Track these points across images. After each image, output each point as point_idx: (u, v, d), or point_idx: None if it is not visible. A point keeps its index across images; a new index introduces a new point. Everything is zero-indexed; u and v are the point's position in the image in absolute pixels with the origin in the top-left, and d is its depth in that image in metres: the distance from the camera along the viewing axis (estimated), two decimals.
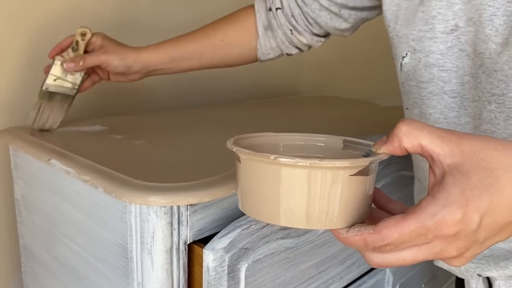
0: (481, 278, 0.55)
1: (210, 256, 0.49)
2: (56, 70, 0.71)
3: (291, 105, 1.08)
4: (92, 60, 0.71)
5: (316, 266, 0.64)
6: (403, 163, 0.78)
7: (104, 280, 0.58)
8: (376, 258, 0.36)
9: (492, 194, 0.32)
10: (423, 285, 0.92)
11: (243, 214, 0.54)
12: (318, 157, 0.36)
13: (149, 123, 0.82)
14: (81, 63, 0.71)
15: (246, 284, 0.53)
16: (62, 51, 0.73)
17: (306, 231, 0.60)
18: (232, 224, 0.52)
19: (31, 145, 0.65)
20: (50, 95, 0.72)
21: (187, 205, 0.50)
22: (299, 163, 0.34)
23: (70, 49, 0.72)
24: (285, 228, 0.57)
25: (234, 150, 0.39)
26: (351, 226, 0.36)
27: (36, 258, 0.74)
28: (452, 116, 0.51)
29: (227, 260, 0.50)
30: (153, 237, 0.50)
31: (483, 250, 0.35)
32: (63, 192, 0.63)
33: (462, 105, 0.51)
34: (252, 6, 0.75)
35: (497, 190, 0.32)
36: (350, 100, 1.16)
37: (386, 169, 0.74)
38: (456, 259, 0.35)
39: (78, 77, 0.73)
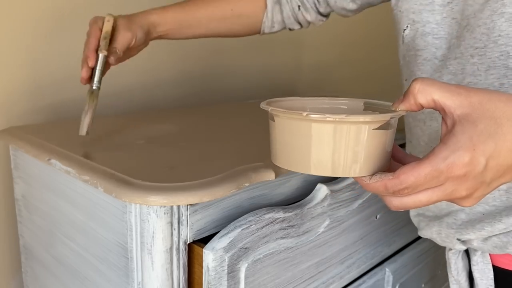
0: (460, 253, 0.60)
1: (210, 256, 0.49)
2: (101, 64, 0.65)
3: None
4: (123, 43, 0.67)
5: (316, 265, 0.64)
6: None
7: (104, 279, 0.59)
8: (395, 201, 0.40)
9: (497, 139, 0.36)
10: (422, 285, 0.92)
11: (243, 214, 0.54)
12: (343, 114, 0.40)
13: (149, 123, 0.82)
14: (118, 52, 0.66)
15: (246, 283, 0.53)
16: (98, 44, 0.66)
17: (306, 231, 0.60)
18: (232, 224, 0.52)
19: (31, 145, 0.65)
20: (98, 93, 0.66)
21: (187, 205, 0.50)
22: (328, 118, 0.39)
23: (104, 41, 0.66)
24: (285, 228, 0.57)
25: (270, 110, 0.43)
26: (373, 174, 0.41)
27: (36, 258, 0.74)
28: (436, 76, 0.56)
29: (227, 260, 0.50)
30: (153, 237, 0.50)
31: (490, 191, 0.39)
32: (63, 192, 0.63)
33: (445, 64, 0.55)
34: None
35: (501, 136, 0.36)
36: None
37: None
38: (467, 200, 0.39)
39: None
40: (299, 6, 0.75)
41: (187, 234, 0.51)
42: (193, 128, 0.79)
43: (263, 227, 0.54)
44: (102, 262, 0.58)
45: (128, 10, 0.75)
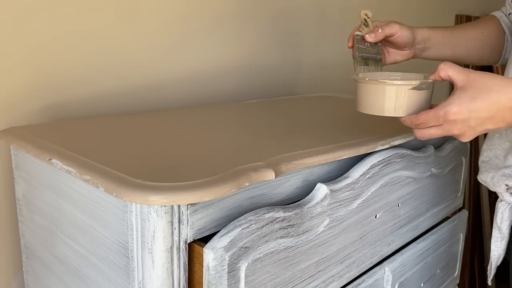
0: (508, 206, 0.79)
1: (210, 255, 0.49)
2: (359, 42, 0.83)
3: (291, 105, 1.08)
4: (388, 29, 0.82)
5: (316, 265, 0.65)
6: (402, 162, 0.78)
7: (105, 279, 0.59)
8: (418, 132, 0.65)
9: (477, 100, 0.59)
10: (422, 284, 0.92)
11: (243, 214, 0.54)
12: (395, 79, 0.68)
13: (149, 123, 0.82)
14: (380, 31, 0.81)
15: (246, 283, 0.54)
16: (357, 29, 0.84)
17: (306, 230, 0.61)
18: (232, 223, 0.52)
19: (32, 144, 0.65)
20: (364, 61, 0.82)
21: (188, 205, 0.51)
22: (383, 82, 0.66)
23: (363, 27, 0.84)
24: (285, 228, 0.57)
25: (359, 75, 0.71)
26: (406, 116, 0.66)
27: (37, 257, 0.74)
28: None
29: (227, 259, 0.50)
30: (153, 236, 0.50)
31: (478, 133, 0.61)
32: (64, 192, 0.63)
33: None
34: (492, 14, 0.92)
35: (480, 98, 0.59)
36: (350, 100, 1.17)
37: (385, 169, 0.74)
38: (461, 137, 0.62)
39: (378, 47, 0.84)
40: None
41: (188, 233, 0.52)
42: (193, 128, 0.80)
43: (263, 226, 0.54)
44: (102, 261, 0.59)
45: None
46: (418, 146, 0.86)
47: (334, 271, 0.68)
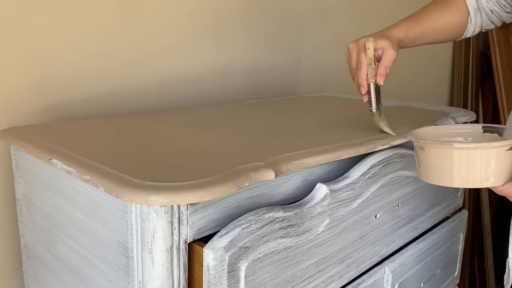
0: None
1: (210, 255, 0.49)
2: (373, 92, 0.75)
3: (291, 105, 1.08)
4: (391, 59, 0.76)
5: (316, 265, 0.65)
6: (402, 162, 0.78)
7: (105, 279, 0.59)
8: None
9: None
10: (422, 284, 0.92)
11: (243, 214, 0.54)
12: (477, 142, 0.57)
13: (149, 123, 0.82)
14: (388, 71, 0.75)
15: (246, 283, 0.54)
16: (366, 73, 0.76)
17: (306, 230, 0.61)
18: (232, 223, 0.52)
19: (32, 144, 0.65)
20: (378, 113, 0.76)
21: (187, 205, 0.51)
22: (467, 146, 0.56)
23: (372, 65, 0.75)
24: (285, 228, 0.57)
25: (422, 142, 0.59)
26: (504, 183, 0.57)
27: (37, 257, 0.74)
28: None
29: (227, 259, 0.50)
30: (153, 236, 0.50)
31: None
32: (64, 192, 0.63)
33: None
34: None
35: None
36: (350, 100, 1.17)
37: (385, 169, 0.74)
38: None
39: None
40: (491, 11, 0.86)
41: (188, 233, 0.52)
42: (193, 128, 0.80)
43: (263, 226, 0.54)
44: (102, 261, 0.59)
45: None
46: None
47: (334, 271, 0.68)
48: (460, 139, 0.66)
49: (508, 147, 0.55)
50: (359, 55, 0.77)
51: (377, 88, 0.76)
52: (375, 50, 0.76)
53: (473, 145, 0.55)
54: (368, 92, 0.75)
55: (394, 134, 0.75)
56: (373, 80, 0.74)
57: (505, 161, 0.55)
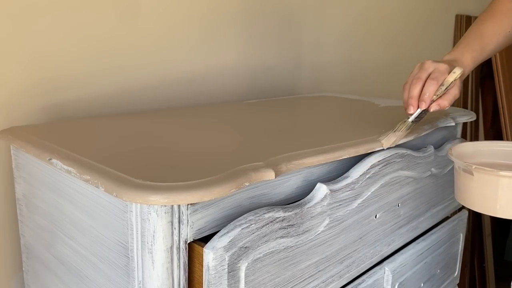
0: None
1: (210, 255, 0.49)
2: (416, 116, 0.73)
3: (291, 105, 1.08)
4: (452, 100, 0.73)
5: (316, 265, 0.65)
6: (402, 162, 0.78)
7: (105, 278, 0.59)
8: None
9: None
10: (422, 284, 0.92)
11: (243, 214, 0.54)
12: None
13: (149, 123, 0.82)
14: (446, 106, 0.72)
15: (246, 282, 0.54)
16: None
17: (306, 230, 0.61)
18: (232, 223, 0.52)
19: (32, 144, 0.65)
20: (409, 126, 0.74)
21: (188, 205, 0.51)
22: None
23: (441, 87, 0.72)
24: (285, 228, 0.57)
25: (473, 168, 0.57)
26: None
27: (37, 257, 0.74)
28: None
29: (227, 259, 0.50)
30: (153, 236, 0.50)
31: None
32: (64, 192, 0.63)
33: None
34: None
35: None
36: (350, 100, 1.17)
37: (385, 169, 0.74)
38: None
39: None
40: None
41: (188, 233, 0.52)
42: (193, 128, 0.80)
43: (263, 226, 0.54)
44: (102, 261, 0.59)
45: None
46: (418, 146, 0.86)
47: (334, 271, 0.68)
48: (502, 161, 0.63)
49: None
50: (438, 76, 0.72)
51: (426, 110, 0.73)
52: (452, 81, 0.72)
53: None
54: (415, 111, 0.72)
55: (385, 147, 0.72)
56: (435, 98, 0.71)
57: None
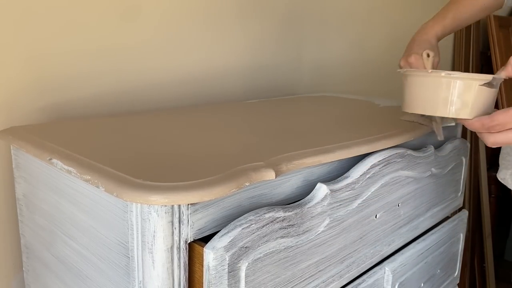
0: None
1: (210, 255, 0.49)
2: None
3: (291, 105, 1.08)
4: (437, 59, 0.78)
5: (316, 265, 0.65)
6: (402, 162, 0.78)
7: (105, 278, 0.59)
8: (490, 138, 0.54)
9: None
10: (422, 284, 0.92)
11: (243, 213, 0.54)
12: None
13: (150, 123, 0.82)
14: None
15: (246, 282, 0.54)
16: None
17: (306, 230, 0.61)
18: (232, 223, 0.52)
19: (33, 144, 0.65)
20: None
21: (188, 204, 0.51)
22: (449, 75, 0.57)
23: None
24: (285, 227, 0.57)
25: (404, 71, 0.64)
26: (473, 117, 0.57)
27: (37, 257, 0.74)
28: None
29: (227, 259, 0.50)
30: (154, 236, 0.50)
31: None
32: (65, 191, 0.63)
33: None
34: None
35: None
36: (350, 100, 1.17)
37: (385, 169, 0.74)
38: None
39: None
40: None
41: (188, 233, 0.52)
42: (193, 128, 0.80)
43: (263, 226, 0.54)
44: (103, 261, 0.59)
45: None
46: (418, 146, 0.86)
47: (334, 271, 0.68)
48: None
49: (481, 82, 0.56)
50: (418, 64, 0.76)
51: None
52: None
53: (444, 73, 0.57)
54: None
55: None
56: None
57: (477, 96, 0.57)
